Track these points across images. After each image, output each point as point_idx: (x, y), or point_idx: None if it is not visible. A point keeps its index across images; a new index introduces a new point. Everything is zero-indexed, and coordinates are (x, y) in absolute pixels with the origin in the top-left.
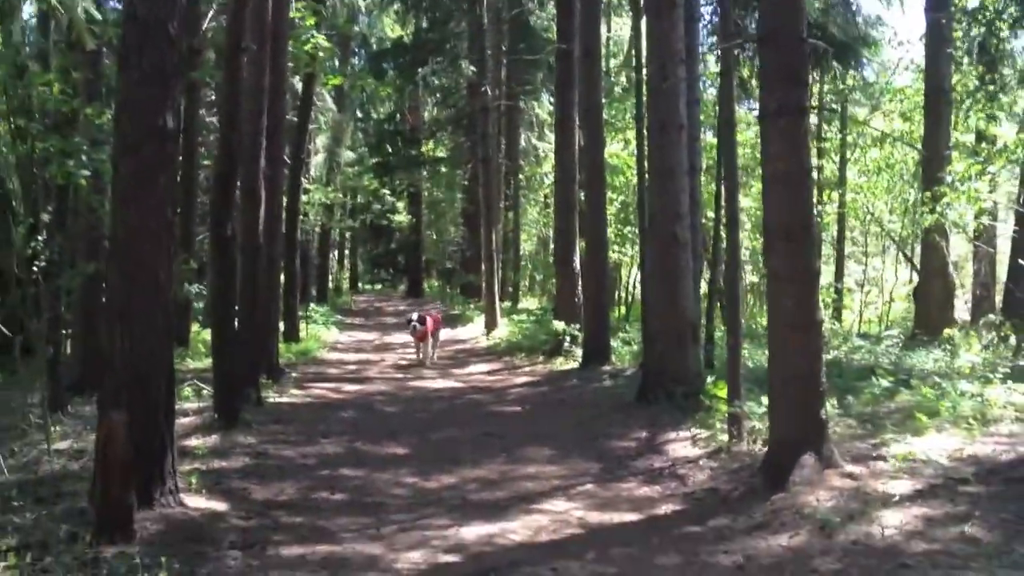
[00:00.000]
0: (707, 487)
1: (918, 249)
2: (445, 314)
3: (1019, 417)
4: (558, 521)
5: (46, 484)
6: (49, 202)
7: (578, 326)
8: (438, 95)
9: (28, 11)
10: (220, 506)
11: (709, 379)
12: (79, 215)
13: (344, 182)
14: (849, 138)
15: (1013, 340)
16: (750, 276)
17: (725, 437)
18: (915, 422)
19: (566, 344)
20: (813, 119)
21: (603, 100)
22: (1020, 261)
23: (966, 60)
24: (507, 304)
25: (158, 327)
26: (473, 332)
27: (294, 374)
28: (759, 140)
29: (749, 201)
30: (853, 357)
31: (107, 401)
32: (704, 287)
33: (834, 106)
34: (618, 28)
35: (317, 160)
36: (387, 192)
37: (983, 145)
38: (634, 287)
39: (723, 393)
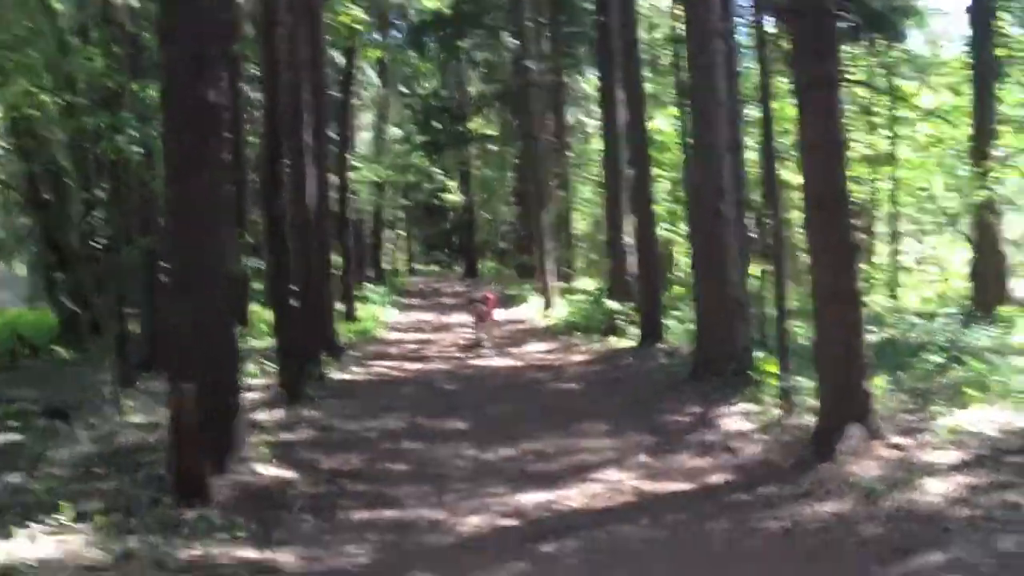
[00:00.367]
0: (758, 459)
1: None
2: (501, 294)
3: None
4: (613, 489)
5: (123, 454)
6: (102, 179)
7: (632, 305)
8: (482, 69)
9: None
10: (289, 474)
11: (761, 354)
12: (132, 191)
13: (393, 159)
14: (899, 112)
15: None
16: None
17: (777, 411)
18: (964, 397)
19: (620, 323)
20: (863, 93)
21: (644, 74)
22: None
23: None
24: (563, 284)
25: (217, 300)
26: (530, 312)
27: (354, 352)
28: None
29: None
30: (909, 334)
31: (176, 373)
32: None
33: (882, 79)
34: None
35: (364, 137)
36: (438, 171)
37: None
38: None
39: (774, 368)
